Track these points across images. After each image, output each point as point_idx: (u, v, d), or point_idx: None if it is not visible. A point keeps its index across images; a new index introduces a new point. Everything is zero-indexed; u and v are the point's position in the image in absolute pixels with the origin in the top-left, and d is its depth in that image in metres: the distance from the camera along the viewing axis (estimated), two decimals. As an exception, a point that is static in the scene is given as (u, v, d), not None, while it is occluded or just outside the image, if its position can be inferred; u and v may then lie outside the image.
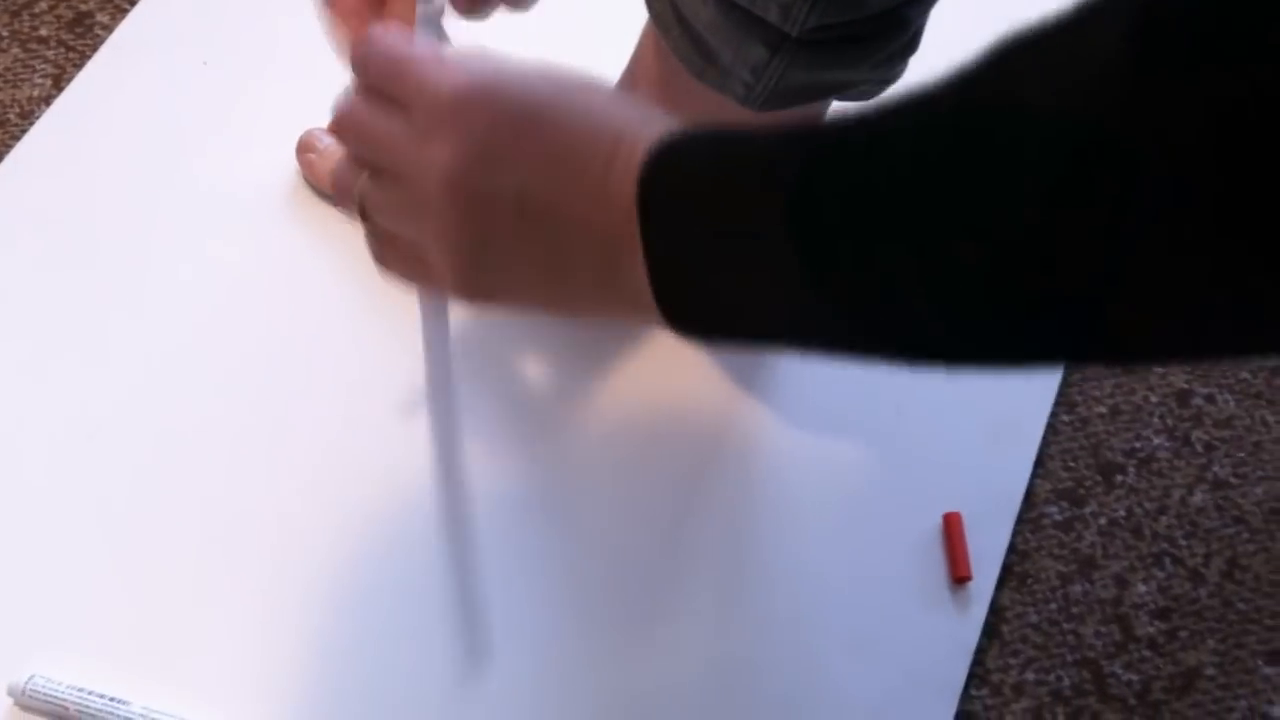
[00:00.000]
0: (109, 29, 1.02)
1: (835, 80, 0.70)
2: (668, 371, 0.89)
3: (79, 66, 1.00)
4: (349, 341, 0.89)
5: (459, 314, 0.64)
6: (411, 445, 0.86)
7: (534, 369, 0.89)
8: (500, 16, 1.03)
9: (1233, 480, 0.87)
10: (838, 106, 0.81)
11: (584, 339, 0.89)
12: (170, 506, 0.84)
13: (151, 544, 0.82)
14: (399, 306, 0.90)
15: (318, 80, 0.98)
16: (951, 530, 0.83)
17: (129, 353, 0.89)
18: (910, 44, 0.72)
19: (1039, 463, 0.87)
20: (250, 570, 0.82)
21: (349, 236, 0.92)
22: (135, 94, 0.99)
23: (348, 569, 0.82)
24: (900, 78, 0.73)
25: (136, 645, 0.79)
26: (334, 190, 0.57)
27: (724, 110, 0.71)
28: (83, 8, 1.03)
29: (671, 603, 0.82)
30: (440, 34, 0.66)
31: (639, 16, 0.77)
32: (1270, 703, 0.80)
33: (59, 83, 0.99)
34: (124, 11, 1.02)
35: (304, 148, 0.93)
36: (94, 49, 1.01)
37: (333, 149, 0.92)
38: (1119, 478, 0.87)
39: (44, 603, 0.81)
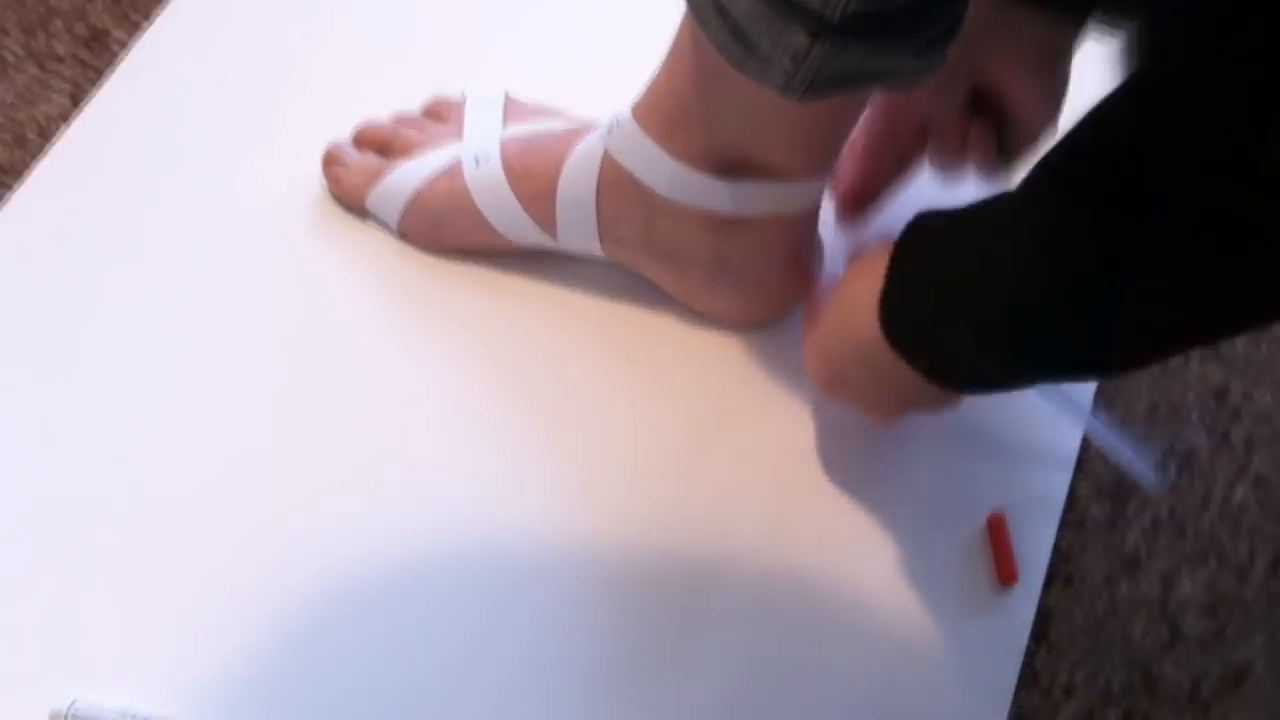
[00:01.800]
0: (126, 45, 1.01)
1: (876, 67, 0.69)
2: (705, 376, 0.88)
3: (96, 84, 0.99)
4: (378, 353, 0.88)
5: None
6: (445, 459, 0.85)
7: (564, 371, 0.88)
8: (537, 11, 1.02)
9: (1274, 477, 0.87)
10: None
11: (619, 344, 0.89)
12: (209, 524, 0.83)
13: (192, 563, 0.81)
14: (428, 320, 0.90)
15: (338, 94, 0.98)
16: (997, 532, 0.83)
17: (158, 370, 0.88)
18: (950, 31, 0.71)
19: (1080, 463, 0.87)
20: (295, 589, 0.81)
21: (377, 250, 0.92)
22: (154, 111, 0.98)
23: (394, 589, 0.81)
24: (941, 66, 0.73)
25: (180, 666, 0.78)
26: None
27: (763, 101, 0.71)
28: (99, 25, 1.02)
29: (713, 611, 0.81)
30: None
31: (675, 10, 0.76)
32: (1322, 698, 0.80)
33: (77, 100, 0.98)
34: (141, 28, 1.02)
35: (330, 161, 0.92)
36: (111, 66, 1.00)
37: (360, 162, 0.91)
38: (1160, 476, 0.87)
39: (85, 626, 0.80)
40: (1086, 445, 0.87)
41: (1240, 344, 0.91)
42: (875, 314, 0.71)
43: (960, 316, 0.67)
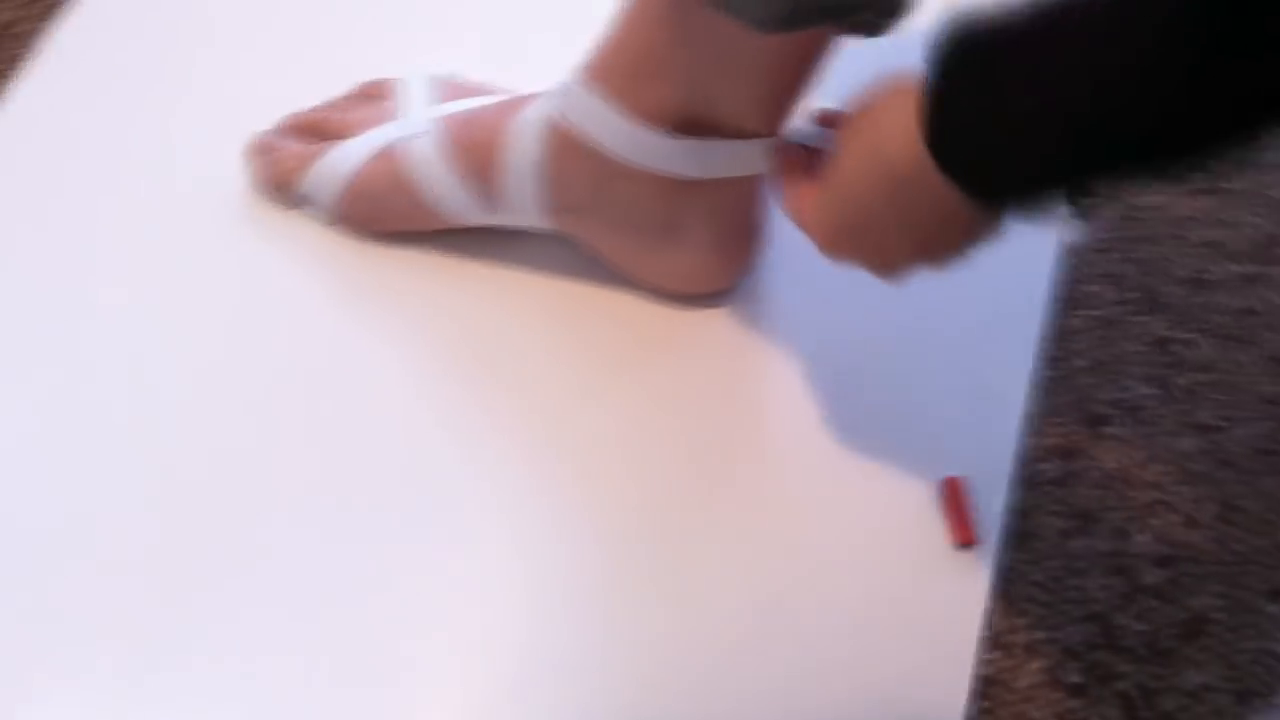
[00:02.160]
0: (32, 39, 0.98)
1: None
2: (655, 351, 0.87)
3: (3, 80, 0.96)
4: (320, 343, 0.87)
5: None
6: (396, 445, 0.84)
7: (512, 350, 0.87)
8: None
9: (1219, 423, 0.88)
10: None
11: (567, 321, 0.88)
12: (149, 529, 0.81)
13: (131, 572, 0.79)
14: (368, 307, 0.88)
15: (259, 85, 0.96)
16: (951, 495, 0.83)
17: (87, 377, 0.85)
18: None
19: (1028, 421, 0.87)
20: (244, 588, 0.79)
21: (311, 240, 0.90)
22: (67, 106, 0.95)
23: (354, 582, 0.80)
24: (912, 9, 0.72)
25: (136, 685, 0.77)
26: None
27: (733, 39, 0.70)
28: (2, 18, 0.99)
29: (669, 586, 0.81)
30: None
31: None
32: (1278, 641, 0.81)
33: (-17, 101, 0.95)
34: (47, 20, 0.98)
35: (258, 150, 0.90)
36: (18, 61, 0.97)
37: (291, 149, 0.89)
38: (1107, 429, 0.87)
39: (40, 643, 0.77)
40: (1031, 402, 0.88)
41: (1178, 293, 0.92)
42: (910, 142, 0.65)
43: (1023, 123, 0.62)
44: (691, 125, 0.78)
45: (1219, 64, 0.55)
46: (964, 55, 0.63)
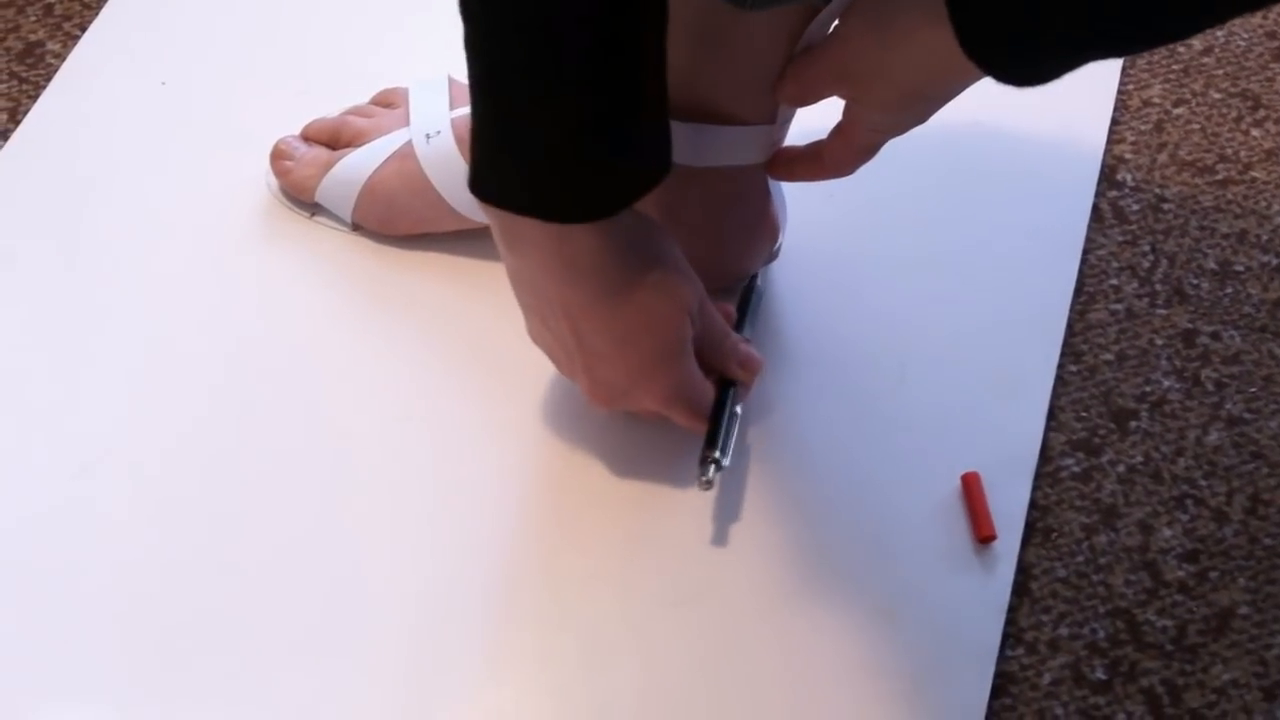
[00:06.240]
0: (61, 57, 0.99)
1: None
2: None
3: (34, 98, 0.97)
4: (343, 348, 0.88)
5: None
6: (423, 448, 0.84)
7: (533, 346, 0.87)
8: None
9: (1247, 416, 0.86)
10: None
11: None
12: (174, 534, 0.81)
13: (157, 574, 0.80)
14: (390, 309, 0.89)
15: (281, 92, 0.97)
16: (971, 490, 0.82)
17: (111, 384, 0.86)
18: None
19: (1051, 415, 0.86)
20: (268, 592, 0.80)
21: (331, 247, 0.91)
22: (95, 121, 0.97)
23: (372, 587, 0.80)
24: None
25: (142, 693, 0.77)
26: None
27: (715, 13, 0.70)
28: (32, 38, 1.00)
29: (693, 579, 0.80)
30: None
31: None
32: (1308, 636, 0.80)
33: (15, 116, 0.97)
34: (75, 39, 1.00)
35: (278, 155, 0.91)
36: (48, 79, 0.98)
37: (309, 154, 0.90)
38: (1133, 423, 0.86)
39: (48, 655, 0.78)
40: (1055, 396, 0.86)
41: (1205, 285, 0.90)
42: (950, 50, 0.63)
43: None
44: (685, 113, 0.77)
45: None
46: None
